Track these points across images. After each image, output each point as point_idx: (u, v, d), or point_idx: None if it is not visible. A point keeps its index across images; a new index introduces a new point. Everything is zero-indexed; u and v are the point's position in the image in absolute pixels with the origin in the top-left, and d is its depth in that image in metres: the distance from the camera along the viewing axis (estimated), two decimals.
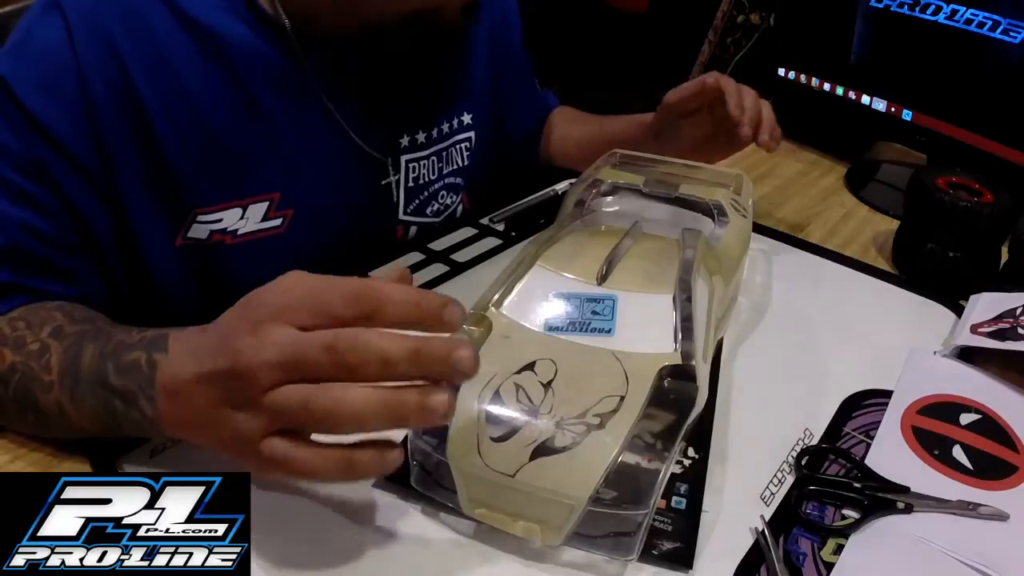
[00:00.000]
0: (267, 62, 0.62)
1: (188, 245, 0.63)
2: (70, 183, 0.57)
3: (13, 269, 0.56)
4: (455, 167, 0.80)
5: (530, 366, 0.48)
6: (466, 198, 0.84)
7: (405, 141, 0.74)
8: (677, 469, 0.51)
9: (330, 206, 0.69)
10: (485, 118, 0.82)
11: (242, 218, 0.64)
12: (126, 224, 0.61)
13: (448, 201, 0.81)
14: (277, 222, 0.66)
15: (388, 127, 0.72)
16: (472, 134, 0.80)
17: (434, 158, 0.77)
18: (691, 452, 0.53)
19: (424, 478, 0.47)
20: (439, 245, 0.78)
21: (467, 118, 0.79)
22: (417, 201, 0.77)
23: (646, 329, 0.51)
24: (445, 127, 0.77)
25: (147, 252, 0.63)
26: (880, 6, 0.94)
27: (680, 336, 0.50)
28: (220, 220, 0.63)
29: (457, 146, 0.79)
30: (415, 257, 0.76)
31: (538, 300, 0.54)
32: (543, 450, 0.44)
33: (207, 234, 0.63)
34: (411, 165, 0.75)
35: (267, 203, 0.65)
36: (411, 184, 0.75)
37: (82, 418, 0.48)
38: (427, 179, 0.77)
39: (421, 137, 0.75)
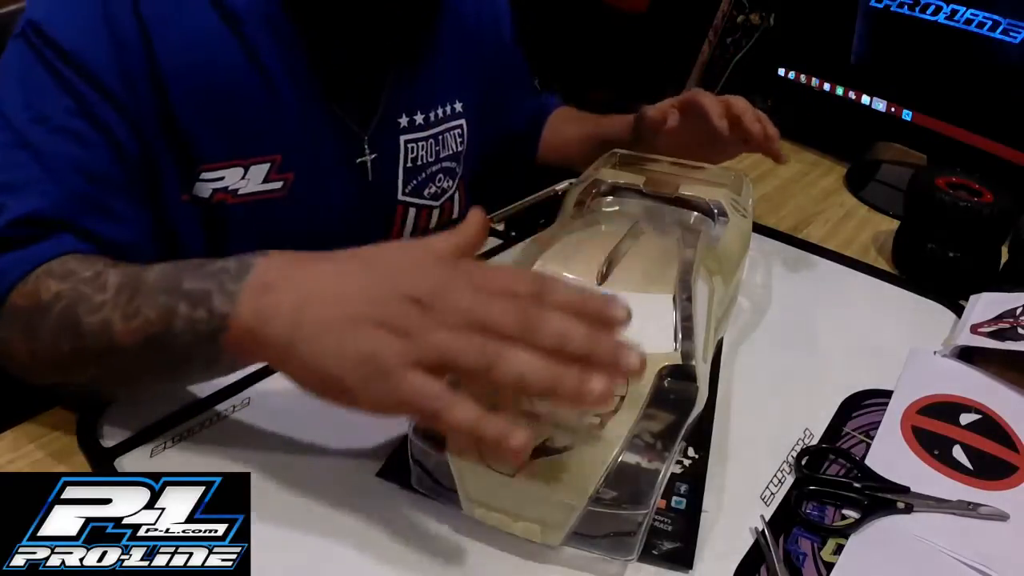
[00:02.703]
0: (272, 24, 0.63)
1: (193, 203, 0.64)
2: (108, 115, 0.58)
3: (57, 203, 0.56)
4: (451, 152, 0.81)
5: None
6: (463, 191, 0.84)
7: (404, 122, 0.75)
8: (677, 469, 0.51)
9: (325, 175, 0.70)
10: (475, 108, 0.82)
11: (244, 178, 0.65)
12: (151, 168, 0.62)
13: (445, 185, 0.81)
14: (278, 185, 0.67)
15: (384, 106, 0.73)
16: (463, 121, 0.81)
17: (432, 141, 0.78)
18: (691, 452, 0.53)
19: (424, 478, 0.47)
20: None
21: (459, 106, 0.80)
22: (415, 182, 0.78)
23: (646, 329, 0.51)
24: (440, 111, 0.78)
25: (166, 202, 0.64)
26: (880, 6, 0.94)
27: (680, 336, 0.50)
28: (223, 178, 0.64)
29: (451, 131, 0.80)
30: None
31: None
32: (543, 450, 0.44)
33: (210, 193, 0.64)
34: (410, 145, 0.76)
35: (268, 164, 0.66)
36: (409, 165, 0.76)
37: (126, 335, 0.46)
38: (425, 160, 0.78)
39: (419, 119, 0.76)
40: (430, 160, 0.78)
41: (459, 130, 0.81)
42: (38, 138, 0.56)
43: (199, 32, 0.61)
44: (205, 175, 0.64)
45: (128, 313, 0.46)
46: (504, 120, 0.90)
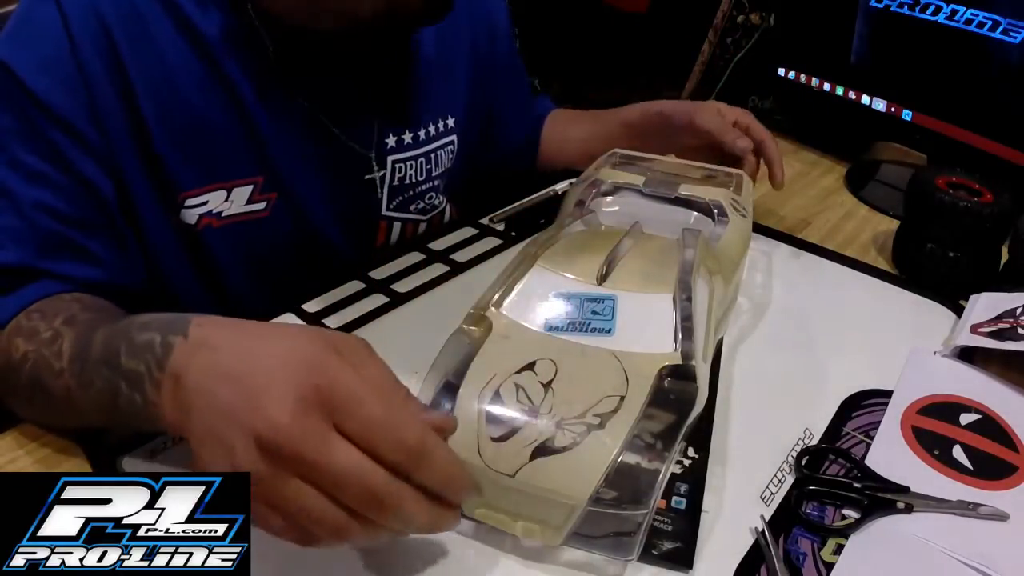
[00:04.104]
0: (241, 50, 0.63)
1: (180, 230, 0.65)
2: (79, 158, 0.58)
3: (33, 251, 0.57)
4: (443, 169, 0.80)
5: (530, 366, 0.48)
6: (451, 204, 0.84)
7: (392, 141, 0.74)
8: (677, 469, 0.51)
9: (311, 194, 0.70)
10: (467, 123, 0.82)
11: (227, 200, 0.65)
12: (130, 202, 0.62)
13: (435, 202, 0.81)
14: (261, 205, 0.67)
15: (371, 124, 0.72)
16: (455, 137, 0.80)
17: (422, 159, 0.77)
18: (691, 452, 0.53)
19: None
20: (439, 245, 0.78)
21: (451, 121, 0.79)
22: (400, 199, 0.77)
23: (646, 329, 0.51)
24: (432, 129, 0.77)
25: (148, 234, 0.64)
26: (880, 6, 0.94)
27: (680, 336, 0.50)
28: (206, 203, 0.65)
29: (444, 148, 0.80)
30: (415, 257, 0.76)
31: (538, 300, 0.54)
32: (543, 450, 0.44)
33: (195, 219, 0.65)
34: (397, 165, 0.75)
35: (251, 186, 0.66)
36: (395, 183, 0.76)
37: (87, 403, 0.47)
38: (414, 179, 0.77)
39: (407, 137, 0.75)
40: (420, 179, 0.78)
41: (451, 146, 0.80)
42: (13, 185, 0.57)
43: (171, 61, 0.60)
44: (189, 201, 0.64)
45: (83, 383, 0.47)
46: (504, 134, 0.90)
